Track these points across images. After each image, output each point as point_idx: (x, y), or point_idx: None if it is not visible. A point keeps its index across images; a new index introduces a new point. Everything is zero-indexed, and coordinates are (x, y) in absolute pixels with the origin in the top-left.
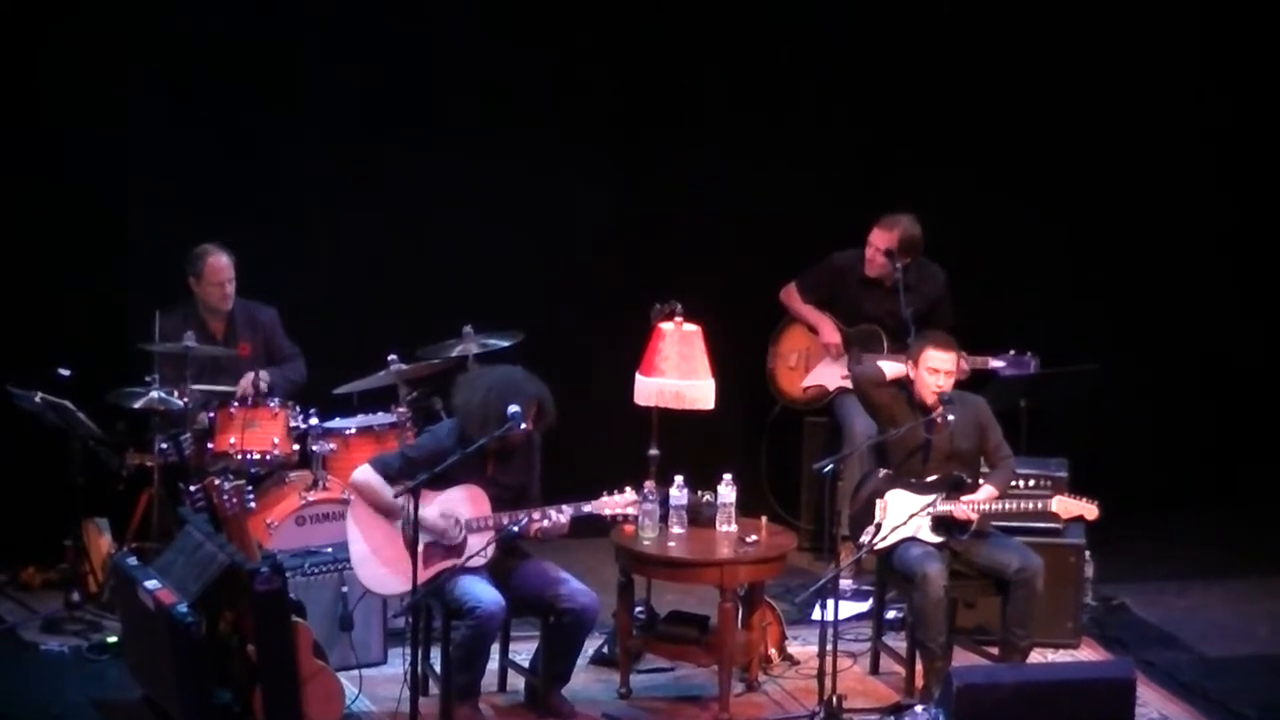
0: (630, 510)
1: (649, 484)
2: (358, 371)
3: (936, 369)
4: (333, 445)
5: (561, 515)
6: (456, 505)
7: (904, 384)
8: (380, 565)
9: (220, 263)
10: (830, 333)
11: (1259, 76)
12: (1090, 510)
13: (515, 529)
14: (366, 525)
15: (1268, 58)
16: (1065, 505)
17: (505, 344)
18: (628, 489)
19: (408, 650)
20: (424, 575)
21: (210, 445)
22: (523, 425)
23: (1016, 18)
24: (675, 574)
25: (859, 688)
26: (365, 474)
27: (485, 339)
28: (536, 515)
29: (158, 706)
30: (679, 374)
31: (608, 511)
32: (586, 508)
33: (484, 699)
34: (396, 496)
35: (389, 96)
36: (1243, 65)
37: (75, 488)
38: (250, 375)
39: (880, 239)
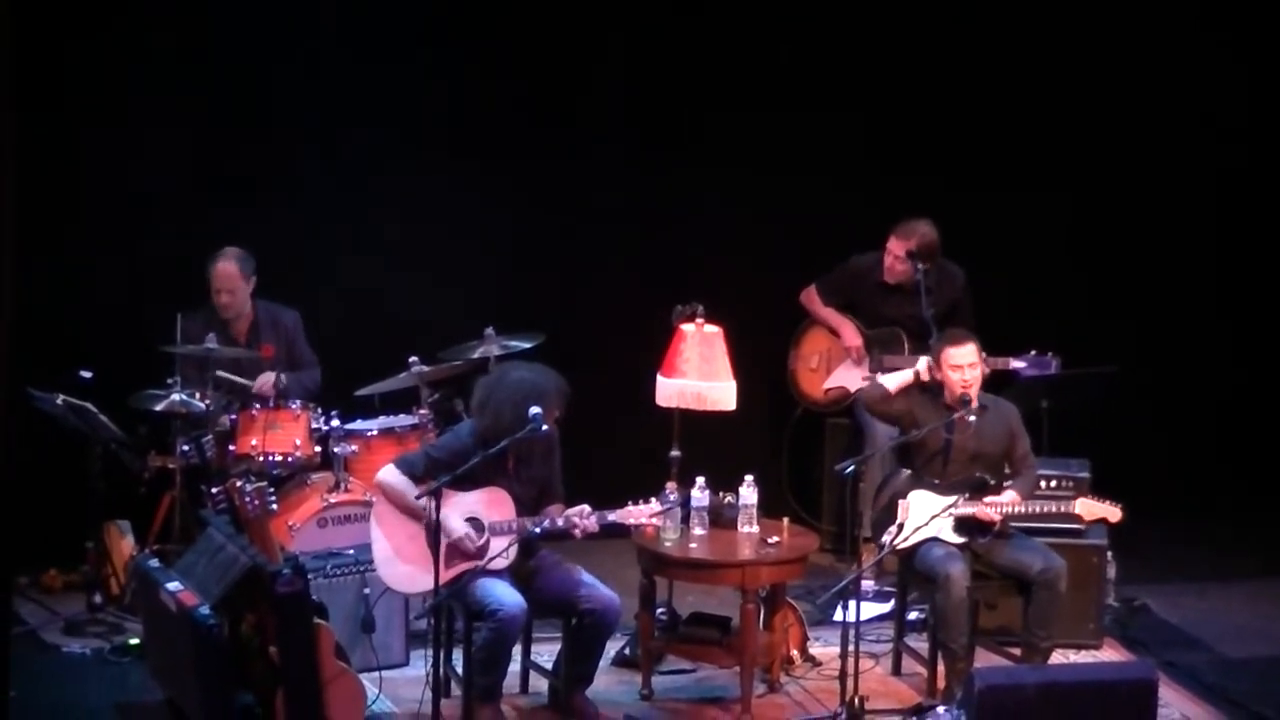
0: (654, 521)
1: (670, 485)
2: (379, 373)
3: (959, 365)
4: (354, 447)
5: (589, 520)
6: (479, 508)
7: (928, 386)
8: (403, 565)
9: (222, 271)
10: (851, 335)
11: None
12: (1113, 513)
13: (538, 531)
14: (390, 525)
15: None
16: (1088, 507)
17: (526, 345)
18: (653, 500)
19: (430, 652)
20: (446, 576)
21: (232, 447)
22: (544, 428)
23: (1037, 19)
24: (697, 575)
25: (881, 689)
26: (390, 474)
27: (506, 340)
28: (560, 521)
29: (179, 709)
30: (700, 375)
31: (631, 521)
32: (611, 516)
33: (506, 701)
34: (418, 498)
35: (408, 98)
36: (1259, 71)
37: (97, 490)
38: (269, 375)
39: (898, 246)
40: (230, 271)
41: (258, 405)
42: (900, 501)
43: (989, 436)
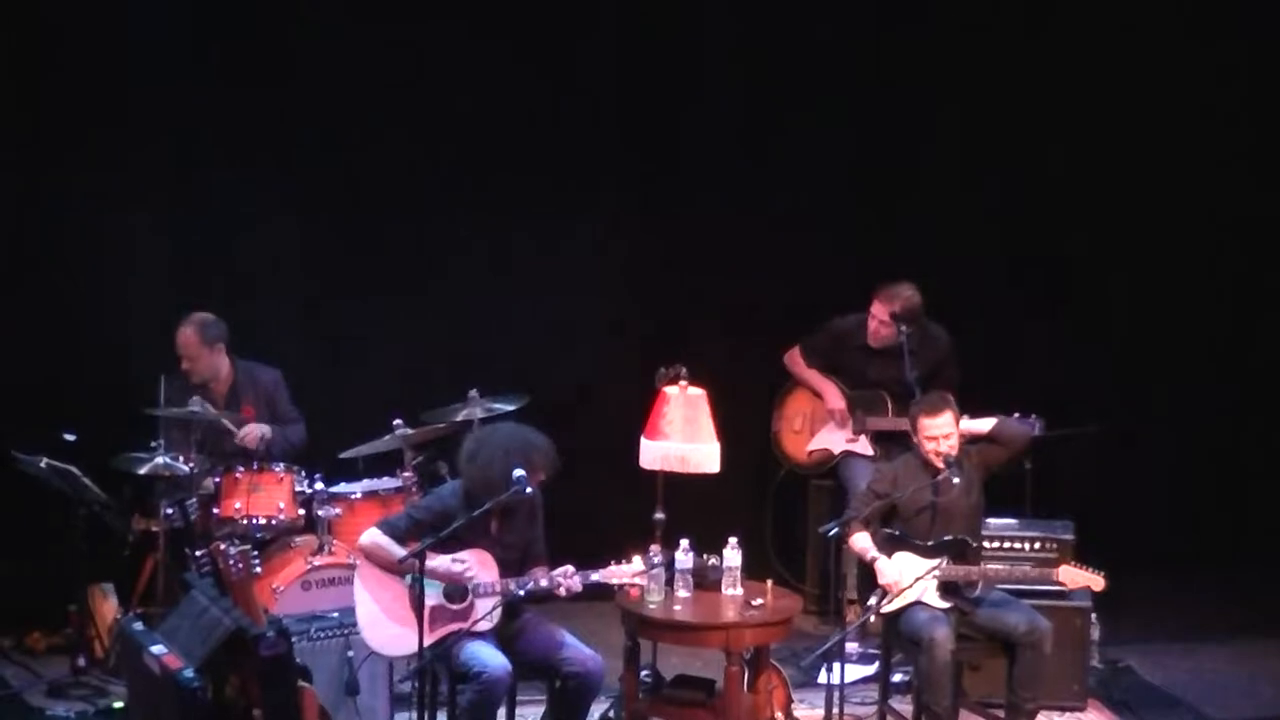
0: (638, 581)
1: (654, 547)
2: (363, 436)
3: (934, 435)
4: (338, 510)
5: (572, 580)
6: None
7: (910, 445)
8: (387, 627)
9: (180, 337)
10: (834, 398)
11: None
12: (1096, 581)
13: (521, 592)
14: (374, 587)
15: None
16: (1072, 575)
17: (510, 407)
18: (635, 558)
19: (414, 715)
20: (430, 638)
21: (216, 510)
22: (529, 490)
23: (1012, 69)
24: (681, 637)
25: None
26: (373, 536)
27: (490, 402)
28: (544, 582)
29: None
30: (684, 437)
31: (615, 581)
32: (594, 576)
33: None
34: (403, 561)
35: (389, 159)
36: (1240, 123)
37: (81, 553)
38: (254, 426)
39: (881, 310)
40: (189, 339)
41: (241, 468)
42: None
43: (960, 491)
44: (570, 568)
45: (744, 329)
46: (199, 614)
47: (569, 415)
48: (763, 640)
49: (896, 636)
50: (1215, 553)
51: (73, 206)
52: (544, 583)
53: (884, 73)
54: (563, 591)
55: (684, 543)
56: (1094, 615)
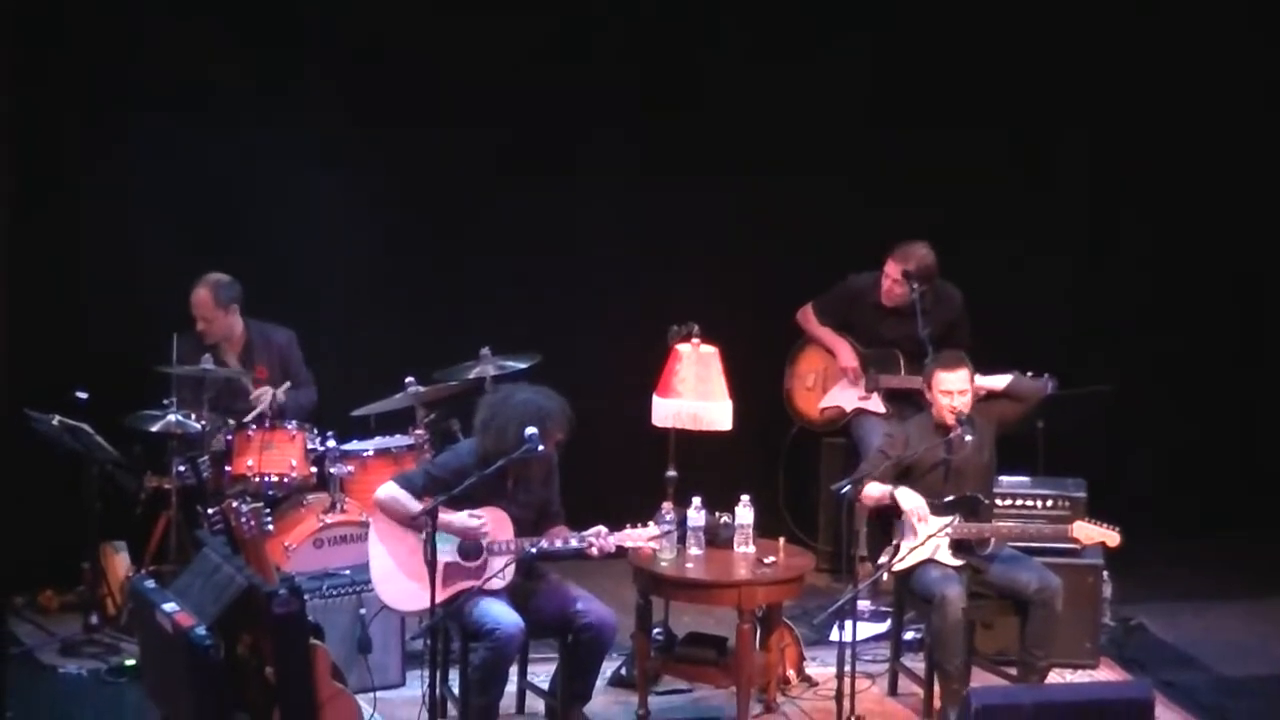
0: (653, 545)
1: (666, 505)
2: (375, 394)
3: (949, 390)
4: (350, 467)
5: (605, 541)
6: None
7: (923, 405)
8: (401, 583)
9: (196, 298)
10: (848, 356)
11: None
12: (1111, 537)
13: (535, 551)
14: (389, 542)
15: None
16: (1086, 531)
17: (522, 366)
18: (650, 524)
19: (426, 672)
20: (443, 595)
21: (228, 468)
22: (540, 448)
23: (1020, 32)
24: (693, 595)
25: (877, 709)
26: (389, 490)
27: (502, 361)
28: (574, 541)
29: None
30: (696, 395)
31: (630, 544)
32: (611, 539)
33: None
34: (417, 517)
35: (399, 121)
36: (1254, 90)
37: (93, 511)
38: (267, 388)
39: (894, 269)
40: (203, 298)
41: (254, 426)
42: (895, 521)
43: (973, 449)
44: (603, 528)
45: (757, 285)
46: (211, 572)
47: (581, 373)
48: (775, 598)
49: (908, 594)
50: (1227, 512)
51: (85, 162)
52: (574, 542)
53: (903, 25)
54: (595, 552)
55: (696, 500)
56: (1106, 573)
